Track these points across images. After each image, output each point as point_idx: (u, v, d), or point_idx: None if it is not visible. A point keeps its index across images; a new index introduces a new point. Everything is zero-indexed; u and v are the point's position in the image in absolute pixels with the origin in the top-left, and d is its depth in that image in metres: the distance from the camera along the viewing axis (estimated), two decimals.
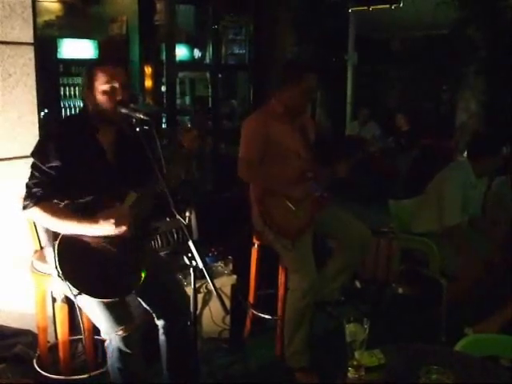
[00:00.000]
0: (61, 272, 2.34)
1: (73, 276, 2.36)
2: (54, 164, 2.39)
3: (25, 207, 2.43)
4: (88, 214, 2.40)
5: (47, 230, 2.52)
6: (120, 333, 2.44)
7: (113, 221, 2.35)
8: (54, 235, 2.44)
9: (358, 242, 3.38)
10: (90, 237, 2.41)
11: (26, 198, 2.42)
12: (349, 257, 3.43)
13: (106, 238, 2.42)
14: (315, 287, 3.17)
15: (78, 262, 2.40)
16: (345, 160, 3.31)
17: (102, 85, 2.44)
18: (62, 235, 2.38)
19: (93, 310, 2.47)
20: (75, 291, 2.35)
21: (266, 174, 3.24)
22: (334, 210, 3.40)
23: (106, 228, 2.37)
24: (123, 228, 2.39)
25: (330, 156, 3.40)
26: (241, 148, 3.25)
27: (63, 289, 2.58)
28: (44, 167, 2.39)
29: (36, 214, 2.42)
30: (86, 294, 2.37)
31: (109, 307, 2.43)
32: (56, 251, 2.36)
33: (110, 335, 2.48)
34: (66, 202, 2.44)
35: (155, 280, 2.59)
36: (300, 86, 3.19)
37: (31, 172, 2.43)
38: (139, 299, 2.70)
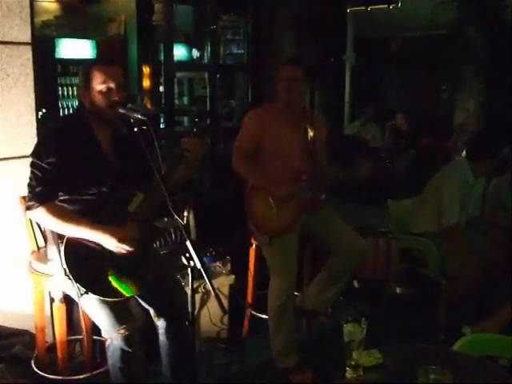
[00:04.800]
0: (68, 271, 2.34)
1: (79, 275, 2.37)
2: (52, 160, 2.39)
3: (29, 208, 2.42)
4: (94, 213, 2.42)
5: (50, 230, 2.52)
6: (121, 332, 2.45)
7: (117, 239, 2.37)
8: (58, 234, 2.45)
9: (349, 253, 3.28)
10: None
11: (30, 199, 2.42)
12: (339, 267, 3.33)
13: None
14: (291, 289, 3.18)
15: (84, 262, 2.41)
16: (366, 159, 3.32)
17: (98, 84, 2.45)
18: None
19: (95, 309, 2.47)
20: (83, 290, 2.35)
21: (257, 168, 3.26)
22: (330, 214, 3.36)
23: (108, 242, 2.38)
24: (125, 248, 2.40)
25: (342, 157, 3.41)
26: (236, 139, 3.32)
27: (66, 288, 2.58)
28: (43, 164, 2.39)
29: (41, 215, 2.41)
30: (93, 293, 2.37)
31: (111, 307, 2.43)
32: (63, 250, 2.36)
33: (112, 335, 2.48)
34: (70, 197, 2.46)
35: (156, 279, 2.59)
36: (280, 76, 3.22)
37: (31, 171, 2.43)
38: (138, 298, 2.70)
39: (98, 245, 2.41)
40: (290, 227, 3.20)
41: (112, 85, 2.45)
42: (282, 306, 3.17)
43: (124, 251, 2.40)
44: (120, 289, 2.40)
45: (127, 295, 2.45)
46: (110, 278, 2.39)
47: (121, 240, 2.38)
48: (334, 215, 3.38)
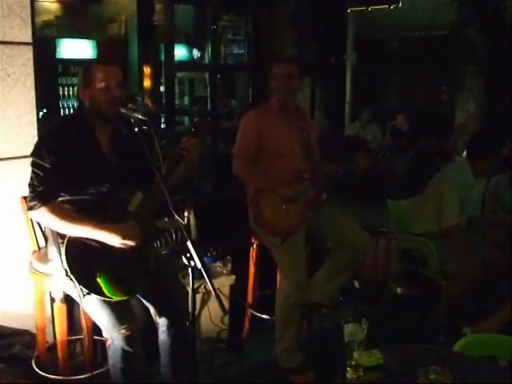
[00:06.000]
0: (69, 271, 2.35)
1: (80, 276, 2.36)
2: (53, 160, 2.39)
3: (31, 208, 2.42)
4: (94, 213, 2.42)
5: (51, 230, 2.52)
6: (122, 332, 2.44)
7: (121, 236, 2.39)
8: (58, 235, 2.45)
9: (352, 245, 3.31)
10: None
11: (32, 199, 2.41)
12: (343, 259, 3.37)
13: None
14: (301, 288, 3.17)
15: (85, 262, 2.41)
16: (364, 153, 3.34)
17: (98, 83, 2.46)
18: (69, 235, 2.39)
19: (96, 309, 2.47)
20: (85, 291, 2.36)
21: (259, 171, 3.27)
22: (332, 211, 3.39)
23: (112, 239, 2.39)
24: (129, 244, 2.41)
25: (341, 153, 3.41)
26: (236, 144, 3.32)
27: (66, 288, 2.58)
28: (44, 163, 2.40)
29: (43, 215, 2.41)
30: (95, 293, 2.37)
31: (112, 306, 2.43)
32: (64, 251, 2.36)
33: (113, 335, 2.47)
34: (70, 198, 2.46)
35: (158, 279, 2.59)
36: (273, 74, 3.25)
37: (32, 171, 2.44)
38: (140, 297, 2.70)
39: (100, 244, 2.41)
40: (299, 226, 3.21)
41: (112, 82, 2.47)
42: (292, 306, 3.17)
43: (127, 247, 2.41)
44: (106, 291, 2.39)
45: (115, 298, 2.44)
46: (99, 280, 2.38)
47: (125, 236, 2.39)
48: (336, 211, 3.40)
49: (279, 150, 3.24)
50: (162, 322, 2.73)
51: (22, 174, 2.63)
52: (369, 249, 3.52)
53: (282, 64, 3.28)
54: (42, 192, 2.40)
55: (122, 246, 2.41)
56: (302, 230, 3.25)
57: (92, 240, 2.41)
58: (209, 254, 3.55)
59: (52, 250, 2.56)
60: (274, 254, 3.28)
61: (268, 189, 3.21)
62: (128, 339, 2.46)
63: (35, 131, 3.25)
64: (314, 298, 3.47)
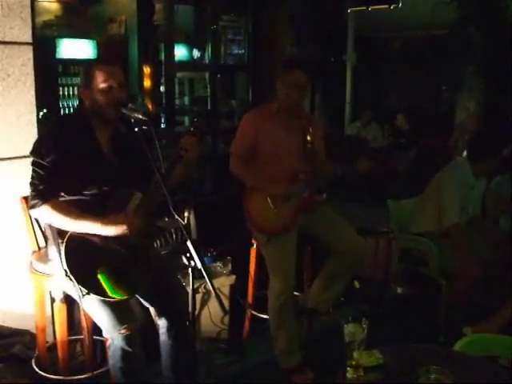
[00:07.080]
0: (69, 272, 2.34)
1: (80, 276, 2.36)
2: (53, 158, 2.40)
3: (33, 206, 2.42)
4: (95, 211, 2.42)
5: (51, 230, 2.53)
6: (123, 331, 2.44)
7: (126, 224, 2.39)
8: (58, 235, 2.46)
9: (347, 252, 3.27)
10: (96, 236, 2.42)
11: (33, 198, 2.42)
12: (338, 267, 3.33)
13: (112, 237, 2.43)
14: (289, 289, 3.17)
15: (85, 262, 2.41)
16: (366, 157, 3.32)
17: (100, 83, 2.46)
18: (69, 235, 2.39)
19: (96, 309, 2.47)
20: (84, 291, 2.35)
21: (254, 170, 3.28)
22: (329, 213, 3.36)
23: (116, 229, 2.39)
24: (134, 229, 2.41)
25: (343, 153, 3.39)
26: (233, 141, 3.34)
27: (66, 288, 2.58)
28: (44, 162, 2.40)
29: (46, 212, 2.42)
30: (95, 293, 2.37)
31: (112, 306, 2.43)
32: (64, 251, 2.36)
33: (113, 334, 2.47)
34: (70, 199, 2.46)
35: (158, 279, 2.59)
36: (285, 80, 3.17)
37: (33, 170, 2.44)
38: (140, 298, 2.70)
39: (100, 244, 2.41)
40: (288, 227, 3.20)
41: (113, 84, 2.47)
42: (282, 306, 3.17)
43: (131, 235, 2.41)
44: (108, 290, 2.39)
45: (117, 297, 2.44)
46: (99, 279, 2.38)
47: (128, 225, 2.40)
48: (333, 213, 3.38)
49: (275, 151, 3.23)
50: (162, 324, 2.73)
51: (22, 173, 2.63)
52: (364, 255, 3.50)
53: (293, 71, 3.17)
54: (44, 190, 2.40)
55: (125, 234, 2.40)
56: (293, 232, 3.23)
57: (92, 239, 2.41)
58: (209, 254, 3.55)
59: (52, 250, 2.55)
60: (263, 253, 3.30)
61: (259, 187, 3.22)
62: (128, 339, 2.46)
63: (35, 131, 3.25)
64: (311, 305, 3.47)
